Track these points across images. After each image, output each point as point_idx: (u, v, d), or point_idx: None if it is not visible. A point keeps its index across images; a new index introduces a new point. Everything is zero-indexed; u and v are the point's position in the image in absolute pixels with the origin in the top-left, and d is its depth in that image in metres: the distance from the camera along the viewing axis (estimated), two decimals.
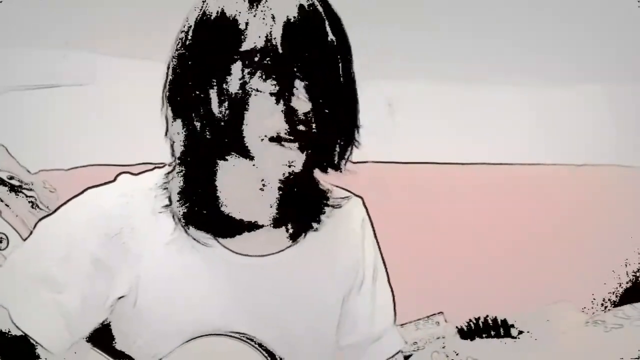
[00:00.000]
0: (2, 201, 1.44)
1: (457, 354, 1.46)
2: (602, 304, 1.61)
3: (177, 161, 0.87)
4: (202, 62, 0.82)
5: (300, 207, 0.91)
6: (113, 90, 1.60)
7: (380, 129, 1.56)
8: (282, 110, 0.80)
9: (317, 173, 0.90)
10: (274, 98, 0.80)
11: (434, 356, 1.19)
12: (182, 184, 0.86)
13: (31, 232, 0.88)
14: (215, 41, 0.81)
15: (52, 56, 1.60)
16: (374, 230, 1.00)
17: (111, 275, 0.85)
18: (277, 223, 0.89)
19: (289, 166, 0.82)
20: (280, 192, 0.88)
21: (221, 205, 0.86)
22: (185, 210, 0.86)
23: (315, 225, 0.91)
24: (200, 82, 0.81)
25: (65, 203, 0.88)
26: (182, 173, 0.87)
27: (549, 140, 1.73)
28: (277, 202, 0.88)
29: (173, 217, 0.86)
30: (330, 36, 0.82)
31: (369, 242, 0.99)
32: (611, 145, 1.73)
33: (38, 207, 1.49)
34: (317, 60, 0.81)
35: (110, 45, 1.59)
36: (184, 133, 0.84)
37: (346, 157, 0.88)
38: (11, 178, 1.49)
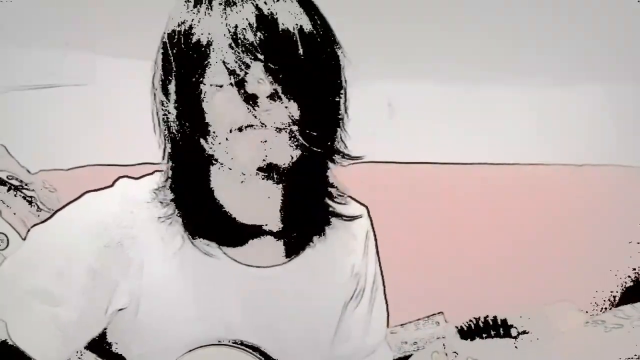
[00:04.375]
0: (2, 201, 1.44)
1: (457, 354, 1.46)
2: (602, 304, 1.61)
3: (168, 165, 0.84)
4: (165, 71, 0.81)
5: (306, 218, 0.88)
6: (113, 90, 1.60)
7: (380, 129, 1.56)
8: (242, 100, 0.76)
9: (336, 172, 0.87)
10: (234, 89, 0.76)
11: (434, 356, 1.18)
12: (176, 189, 0.83)
13: (25, 239, 0.84)
14: (186, 56, 0.79)
15: (52, 56, 1.60)
16: (375, 241, 0.98)
17: (110, 287, 0.81)
18: (280, 233, 0.86)
19: (263, 149, 0.77)
20: (284, 196, 0.86)
21: (223, 208, 0.84)
22: (187, 217, 0.82)
23: (315, 240, 0.89)
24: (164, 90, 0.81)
25: (61, 209, 0.84)
26: (172, 177, 0.83)
27: (549, 140, 1.73)
28: (282, 204, 0.86)
29: (180, 225, 0.83)
30: (290, 24, 0.77)
31: (371, 255, 0.97)
32: (611, 145, 1.73)
33: (38, 207, 1.48)
34: (274, 41, 0.76)
35: (110, 46, 1.59)
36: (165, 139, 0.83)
37: (336, 138, 0.84)
38: (11, 178, 1.49)
